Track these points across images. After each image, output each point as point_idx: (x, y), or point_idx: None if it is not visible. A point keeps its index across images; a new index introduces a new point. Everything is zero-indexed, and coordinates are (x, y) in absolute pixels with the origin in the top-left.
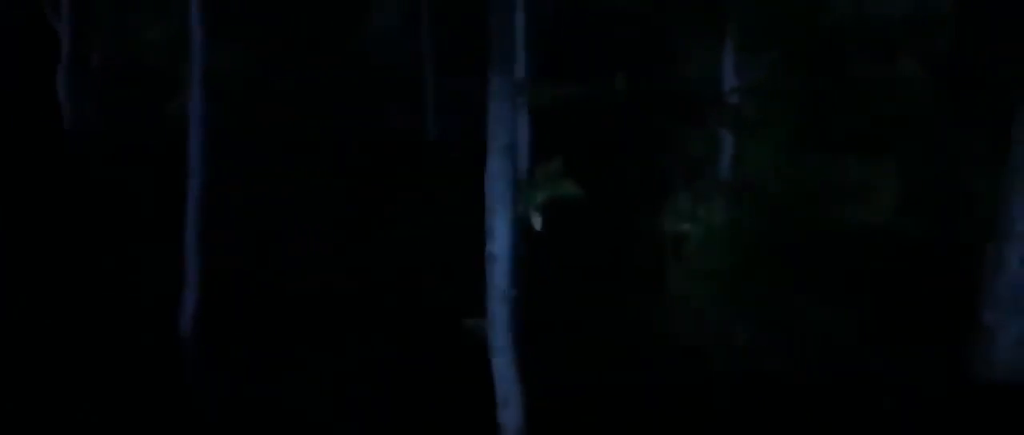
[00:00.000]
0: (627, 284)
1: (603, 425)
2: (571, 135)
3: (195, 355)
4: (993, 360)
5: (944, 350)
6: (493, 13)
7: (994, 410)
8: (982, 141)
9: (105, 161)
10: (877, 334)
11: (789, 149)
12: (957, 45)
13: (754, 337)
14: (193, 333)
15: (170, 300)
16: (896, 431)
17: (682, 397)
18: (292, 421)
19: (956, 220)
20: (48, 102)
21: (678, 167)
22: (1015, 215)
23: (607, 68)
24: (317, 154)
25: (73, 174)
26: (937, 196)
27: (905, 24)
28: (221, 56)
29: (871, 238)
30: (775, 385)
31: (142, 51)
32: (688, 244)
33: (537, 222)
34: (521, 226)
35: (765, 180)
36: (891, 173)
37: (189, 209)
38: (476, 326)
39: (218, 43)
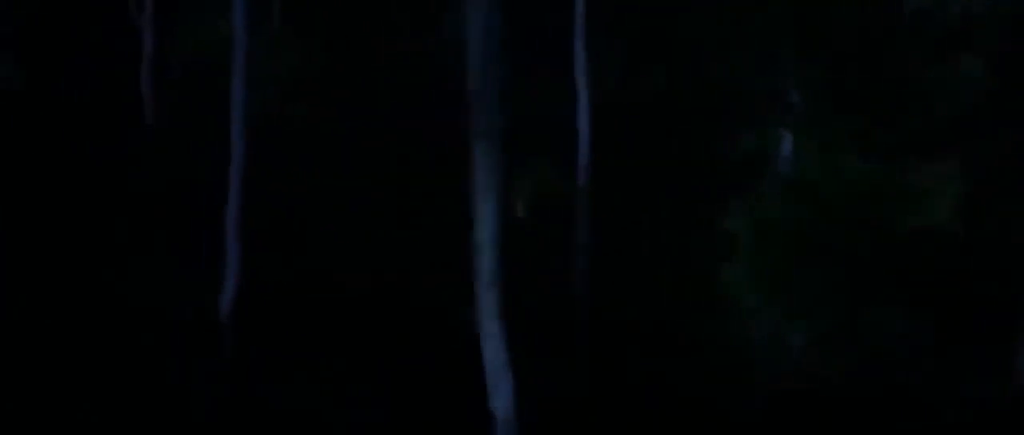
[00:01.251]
0: (678, 280)
1: (605, 421)
2: (630, 129)
3: (233, 338)
4: None
5: (994, 359)
6: (470, 6)
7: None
8: None
9: (182, 154)
10: (930, 340)
11: (848, 149)
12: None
13: (806, 340)
14: (232, 317)
15: (216, 284)
16: None
17: (702, 399)
18: (312, 405)
19: (1018, 222)
20: (132, 98)
21: (733, 164)
22: None
23: (662, 62)
24: (374, 153)
25: (151, 165)
26: (998, 198)
27: (967, 21)
28: (290, 53)
29: (929, 240)
30: (819, 390)
31: (217, 48)
32: (741, 243)
33: (521, 210)
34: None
35: (823, 180)
36: (952, 175)
37: (231, 197)
38: (467, 314)
39: (289, 41)
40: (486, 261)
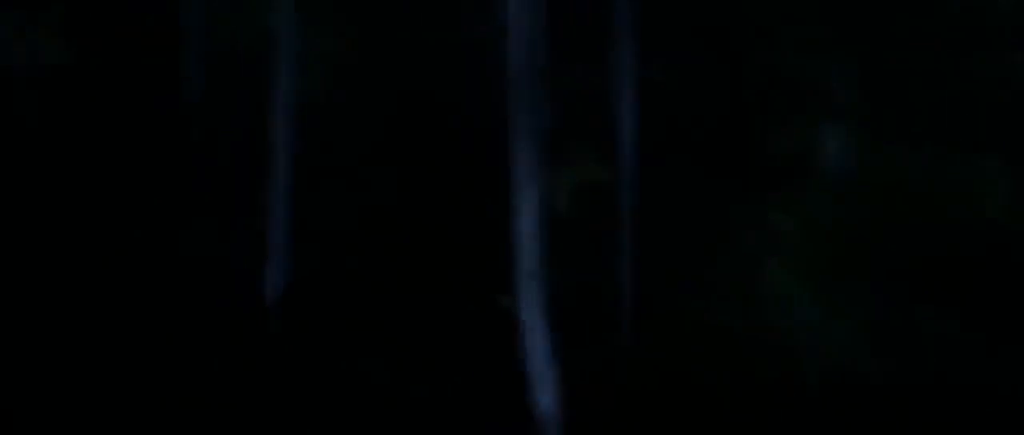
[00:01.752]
0: (724, 274)
1: (655, 416)
2: (676, 121)
3: (279, 326)
4: None
5: None
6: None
7: None
8: None
9: (225, 135)
10: (978, 338)
11: (898, 143)
12: None
13: (852, 337)
14: (278, 303)
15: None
16: None
17: (759, 395)
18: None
19: None
20: (171, 77)
21: (780, 157)
22: None
23: (709, 53)
24: (418, 139)
25: (192, 146)
26: None
27: (1018, 15)
28: (329, 39)
29: (978, 237)
30: (867, 388)
31: (262, 32)
32: (787, 238)
33: (563, 203)
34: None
35: (871, 175)
36: (1003, 171)
37: (275, 183)
38: (507, 303)
39: (326, 30)
40: (527, 252)
